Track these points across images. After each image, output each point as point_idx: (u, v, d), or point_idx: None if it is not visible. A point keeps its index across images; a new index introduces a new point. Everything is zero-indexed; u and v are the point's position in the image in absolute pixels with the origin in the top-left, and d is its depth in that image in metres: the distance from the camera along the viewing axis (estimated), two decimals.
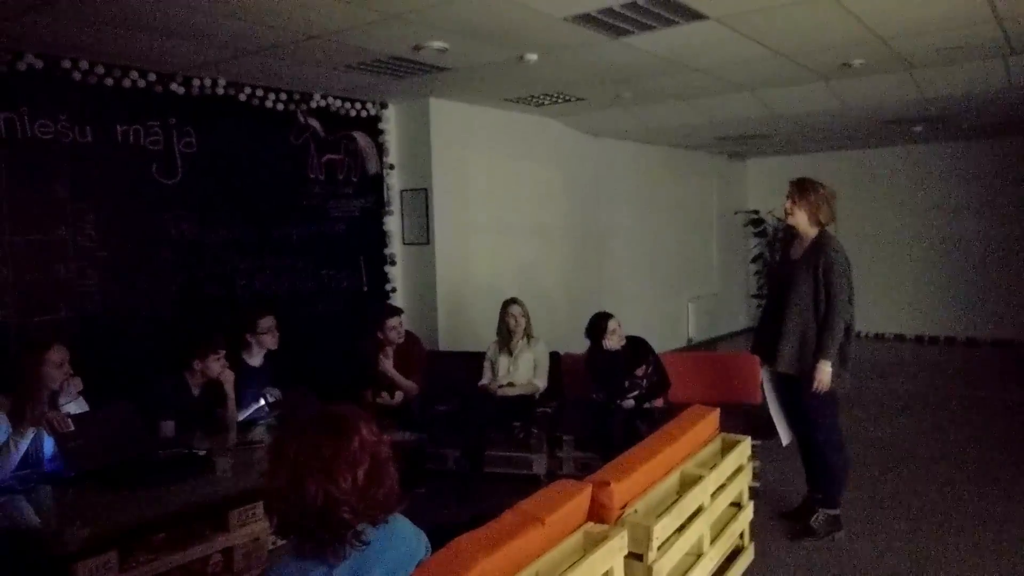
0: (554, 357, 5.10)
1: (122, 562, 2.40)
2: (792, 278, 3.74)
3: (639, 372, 4.56)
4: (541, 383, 4.91)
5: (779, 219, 10.57)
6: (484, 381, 4.97)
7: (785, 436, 3.98)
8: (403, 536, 1.76)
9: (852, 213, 10.50)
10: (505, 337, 4.98)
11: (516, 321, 4.93)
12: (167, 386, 3.81)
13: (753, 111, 6.56)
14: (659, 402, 4.60)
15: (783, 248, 4.02)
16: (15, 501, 2.72)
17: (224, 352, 3.93)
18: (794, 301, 3.70)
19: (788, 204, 3.80)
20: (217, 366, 3.88)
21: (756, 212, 10.75)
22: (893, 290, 10.13)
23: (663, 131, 7.78)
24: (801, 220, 3.77)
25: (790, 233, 3.93)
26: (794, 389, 3.77)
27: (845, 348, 3.66)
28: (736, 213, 10.95)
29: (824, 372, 3.59)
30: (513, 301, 5.00)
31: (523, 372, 4.92)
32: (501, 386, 4.88)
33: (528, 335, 4.98)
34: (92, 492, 2.76)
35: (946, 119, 7.28)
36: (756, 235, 10.85)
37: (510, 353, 4.96)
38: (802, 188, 3.77)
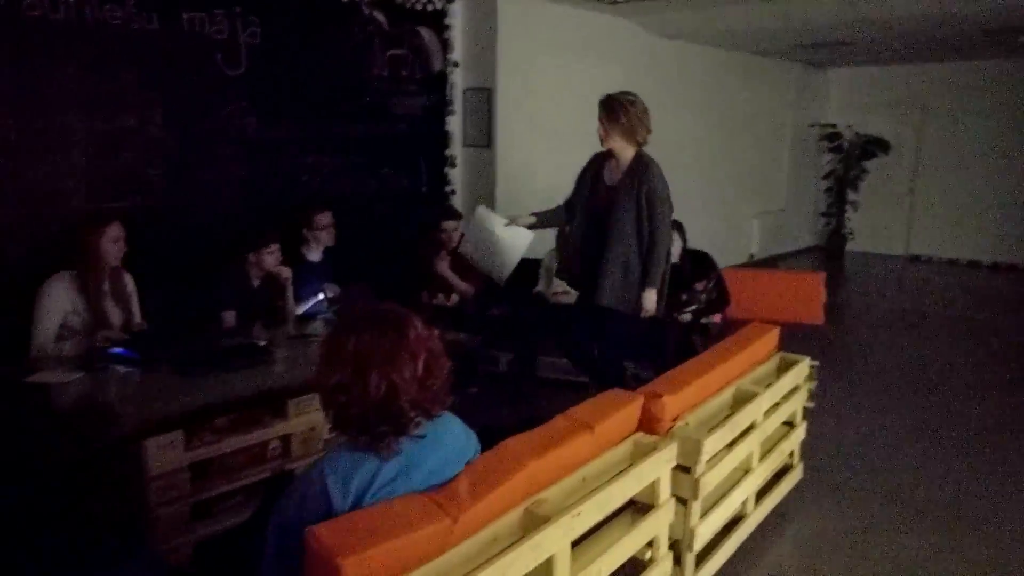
0: None
1: (187, 442, 2.52)
2: (612, 205, 3.53)
3: (699, 286, 4.47)
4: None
5: (858, 134, 10.07)
6: (539, 288, 4.95)
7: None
8: (453, 434, 1.78)
9: (937, 130, 9.94)
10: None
11: None
12: (228, 277, 3.91)
13: (840, 15, 6.11)
14: (717, 318, 4.53)
15: (594, 172, 3.72)
16: (88, 380, 2.85)
17: (278, 246, 3.98)
18: (616, 230, 3.51)
19: (600, 129, 3.55)
20: (271, 260, 3.94)
21: (833, 126, 10.24)
22: (972, 214, 9.64)
23: (741, 35, 7.35)
24: (617, 143, 3.54)
25: (601, 156, 3.69)
26: (602, 316, 3.63)
27: (665, 274, 3.56)
28: (812, 126, 10.44)
29: (651, 300, 3.51)
30: None
31: None
32: (555, 293, 4.86)
33: None
34: (160, 376, 2.87)
35: None
36: (831, 150, 10.37)
37: None
38: (610, 109, 3.49)
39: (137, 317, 3.51)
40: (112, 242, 3.32)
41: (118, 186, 4.09)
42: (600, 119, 3.54)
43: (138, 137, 4.17)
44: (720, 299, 4.53)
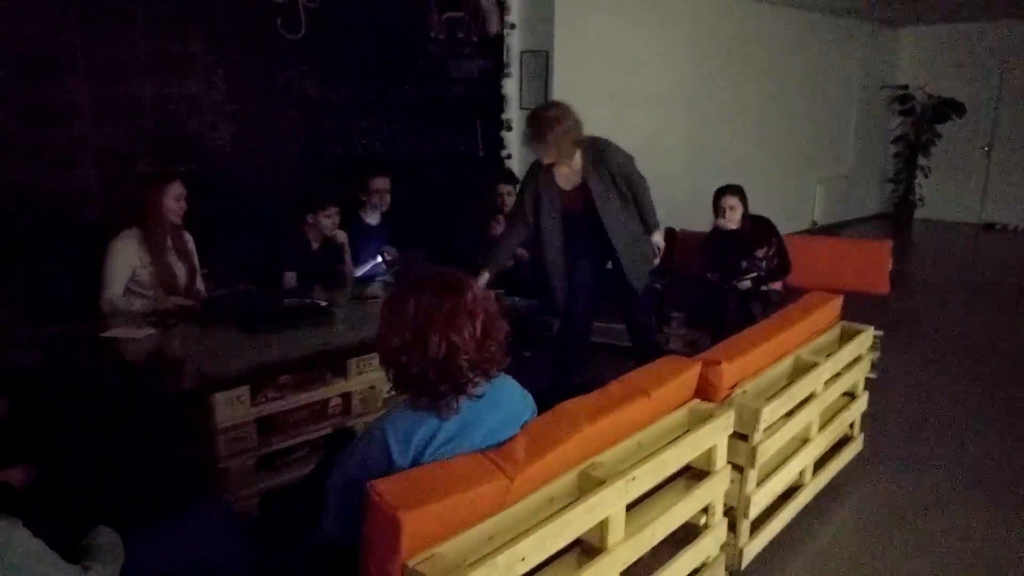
0: (670, 233, 4.95)
1: (253, 397, 2.60)
2: (592, 203, 3.46)
3: (759, 253, 4.37)
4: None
5: (931, 96, 9.63)
6: None
7: None
8: (510, 395, 1.80)
9: (1017, 91, 9.45)
10: None
11: None
12: (289, 240, 3.99)
13: None
14: (777, 285, 4.43)
15: (545, 183, 3.54)
16: (159, 336, 2.97)
17: (336, 209, 4.04)
18: (611, 220, 3.48)
19: (535, 147, 3.39)
20: (329, 223, 4.01)
21: (905, 88, 9.82)
22: None
23: None
24: (560, 155, 3.39)
25: (540, 165, 3.52)
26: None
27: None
28: (881, 88, 10.03)
29: (661, 239, 3.69)
30: None
31: None
32: None
33: None
34: (226, 334, 2.97)
35: None
36: (901, 113, 9.96)
37: None
38: (539, 135, 3.32)
39: (199, 271, 3.64)
40: (174, 200, 3.43)
41: (182, 149, 4.19)
42: (530, 142, 3.41)
43: (202, 101, 4.26)
44: (781, 267, 4.43)
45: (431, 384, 1.62)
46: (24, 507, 1.66)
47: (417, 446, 1.62)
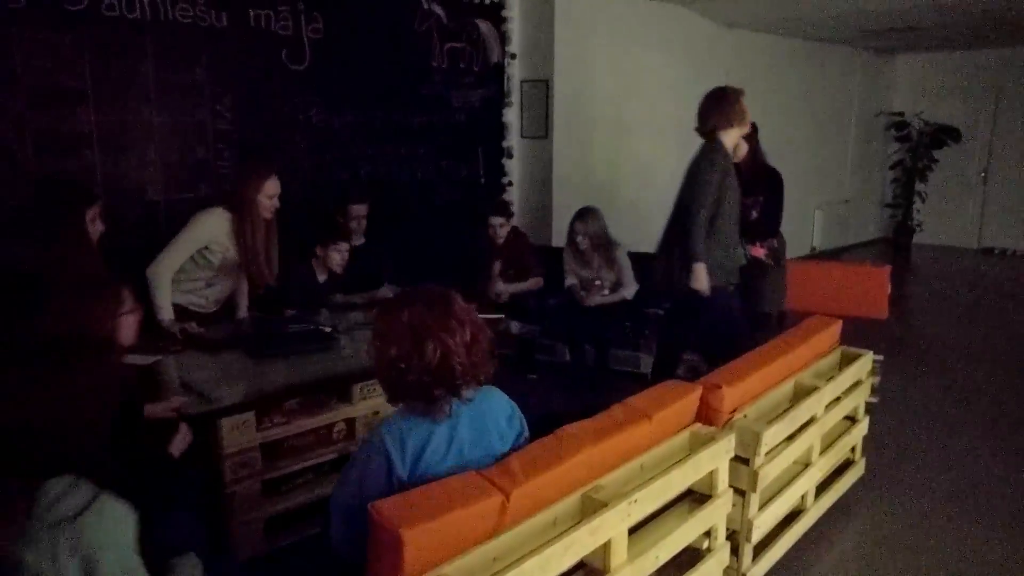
0: None
1: (259, 423, 2.62)
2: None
3: (746, 201, 4.12)
4: (628, 292, 4.65)
5: (927, 123, 9.74)
6: (572, 282, 4.74)
7: None
8: (498, 402, 1.91)
9: (1012, 117, 9.55)
10: None
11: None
12: (297, 275, 4.01)
13: None
14: (758, 252, 4.28)
15: (732, 167, 3.86)
16: (166, 361, 3.00)
17: (347, 245, 4.08)
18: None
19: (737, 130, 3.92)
20: (338, 258, 4.05)
21: (901, 115, 9.92)
22: None
23: (805, 22, 7.18)
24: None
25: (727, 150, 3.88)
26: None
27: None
28: (878, 115, 10.14)
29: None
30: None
31: (606, 277, 4.70)
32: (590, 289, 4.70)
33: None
34: (232, 359, 3.00)
35: None
36: (898, 139, 10.05)
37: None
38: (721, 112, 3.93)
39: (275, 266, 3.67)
40: (268, 197, 3.53)
41: (191, 177, 4.26)
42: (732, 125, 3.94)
43: (209, 130, 4.33)
44: (761, 224, 4.23)
45: (427, 388, 1.70)
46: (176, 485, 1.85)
47: (414, 449, 1.69)
